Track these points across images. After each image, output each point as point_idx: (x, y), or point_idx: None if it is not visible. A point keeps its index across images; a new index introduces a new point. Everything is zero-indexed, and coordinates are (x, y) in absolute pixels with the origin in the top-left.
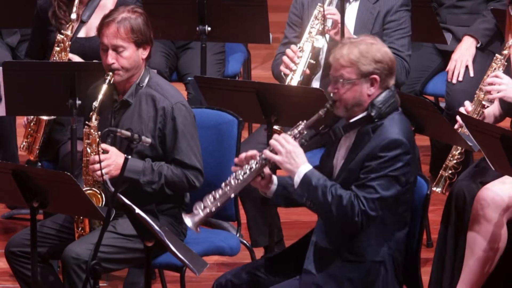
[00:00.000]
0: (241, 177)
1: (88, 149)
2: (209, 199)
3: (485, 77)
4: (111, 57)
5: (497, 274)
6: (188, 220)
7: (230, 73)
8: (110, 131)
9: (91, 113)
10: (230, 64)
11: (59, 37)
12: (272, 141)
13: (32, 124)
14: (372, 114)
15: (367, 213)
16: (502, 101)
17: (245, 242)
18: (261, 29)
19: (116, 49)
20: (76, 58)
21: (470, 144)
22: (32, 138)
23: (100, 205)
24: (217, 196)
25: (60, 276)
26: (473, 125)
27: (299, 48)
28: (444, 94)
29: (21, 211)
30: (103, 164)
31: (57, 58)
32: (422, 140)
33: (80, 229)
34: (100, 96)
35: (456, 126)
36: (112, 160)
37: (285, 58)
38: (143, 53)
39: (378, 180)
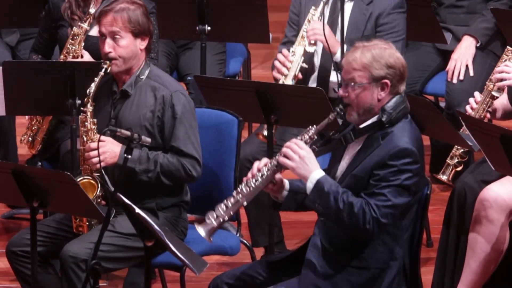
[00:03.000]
0: (253, 185)
1: (84, 137)
2: (221, 208)
3: (496, 68)
4: (108, 46)
5: (499, 276)
6: (201, 230)
7: (230, 73)
8: (110, 130)
9: (85, 99)
10: (230, 64)
11: (75, 29)
12: (284, 148)
13: (37, 116)
14: (383, 119)
15: (379, 221)
16: (511, 96)
17: (245, 242)
18: (261, 29)
19: (113, 36)
20: (86, 55)
21: (470, 143)
22: (36, 130)
23: (95, 192)
24: (229, 204)
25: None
26: (473, 124)
27: (292, 52)
28: (444, 93)
29: (21, 210)
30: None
31: (70, 51)
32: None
33: (78, 219)
34: (95, 82)
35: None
36: (107, 147)
37: (276, 62)
38: (141, 44)
39: (389, 188)
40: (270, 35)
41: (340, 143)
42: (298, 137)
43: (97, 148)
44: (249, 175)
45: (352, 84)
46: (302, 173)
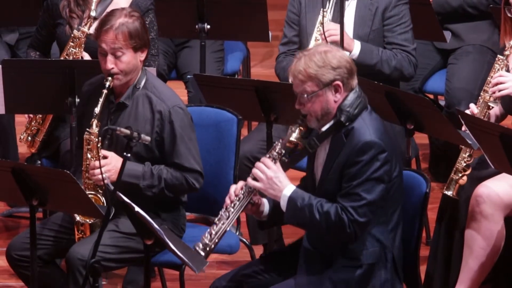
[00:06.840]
0: (232, 209)
1: (88, 154)
2: (206, 237)
3: (488, 78)
4: (110, 62)
5: (496, 272)
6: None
7: (230, 71)
8: (110, 129)
9: (92, 120)
10: (229, 62)
11: (76, 32)
12: (254, 169)
13: (38, 116)
14: (342, 119)
15: (358, 222)
16: (503, 100)
17: (244, 240)
18: (260, 27)
19: (114, 53)
20: (87, 57)
21: (469, 142)
22: (36, 130)
23: None
24: (213, 232)
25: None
26: (473, 123)
27: None
28: (443, 92)
29: (20, 209)
30: (103, 169)
31: (70, 53)
32: (421, 138)
33: (80, 231)
34: (100, 103)
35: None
36: (112, 165)
37: None
38: (141, 56)
39: (361, 186)
40: (270, 34)
41: (306, 150)
42: (267, 155)
43: (99, 167)
44: (228, 200)
45: (305, 95)
46: (272, 194)
